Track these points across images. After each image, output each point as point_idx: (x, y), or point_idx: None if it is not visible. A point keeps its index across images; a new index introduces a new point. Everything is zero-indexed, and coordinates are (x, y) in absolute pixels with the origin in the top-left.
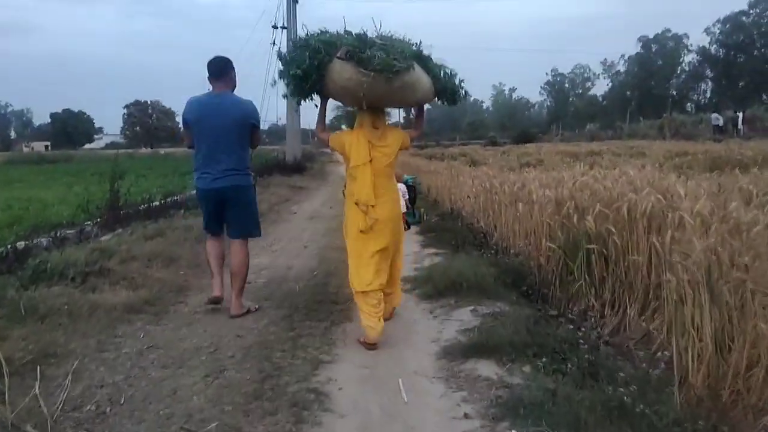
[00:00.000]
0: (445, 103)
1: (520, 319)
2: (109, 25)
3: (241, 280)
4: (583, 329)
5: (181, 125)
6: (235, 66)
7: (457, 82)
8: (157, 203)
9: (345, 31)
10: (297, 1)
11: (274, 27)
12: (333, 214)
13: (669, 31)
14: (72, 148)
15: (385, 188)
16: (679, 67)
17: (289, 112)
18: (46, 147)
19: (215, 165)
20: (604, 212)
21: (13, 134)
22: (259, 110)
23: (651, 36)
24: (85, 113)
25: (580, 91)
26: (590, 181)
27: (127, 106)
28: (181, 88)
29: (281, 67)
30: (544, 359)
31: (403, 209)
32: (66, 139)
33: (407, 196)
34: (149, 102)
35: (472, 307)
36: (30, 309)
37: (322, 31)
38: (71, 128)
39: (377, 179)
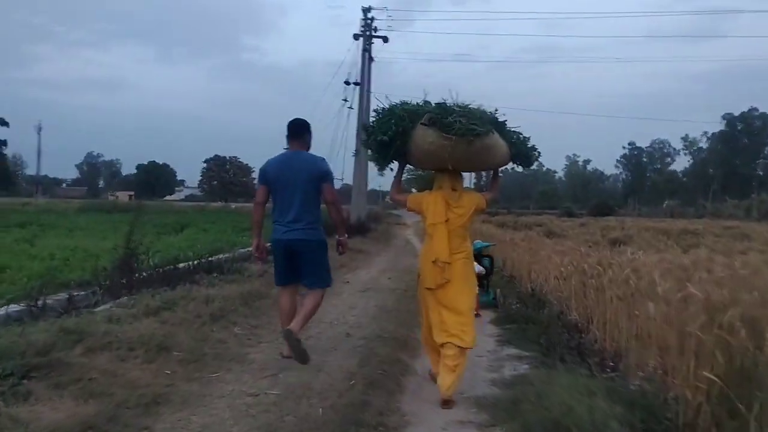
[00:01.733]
0: (519, 166)
1: None
2: (196, 84)
3: (308, 313)
4: None
5: (256, 180)
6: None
7: (530, 146)
8: (188, 264)
9: (425, 101)
10: (373, 59)
11: (347, 83)
12: (391, 287)
13: (756, 110)
14: (154, 199)
15: (459, 247)
16: (767, 147)
17: (357, 170)
18: (130, 197)
19: (288, 218)
20: None
21: (101, 183)
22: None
23: (736, 114)
24: (168, 165)
25: (659, 167)
26: (742, 274)
27: (206, 161)
28: (257, 146)
29: (364, 137)
30: None
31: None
32: (149, 190)
33: (479, 269)
34: (227, 157)
35: None
36: None
37: (404, 102)
38: (154, 180)
39: (452, 238)
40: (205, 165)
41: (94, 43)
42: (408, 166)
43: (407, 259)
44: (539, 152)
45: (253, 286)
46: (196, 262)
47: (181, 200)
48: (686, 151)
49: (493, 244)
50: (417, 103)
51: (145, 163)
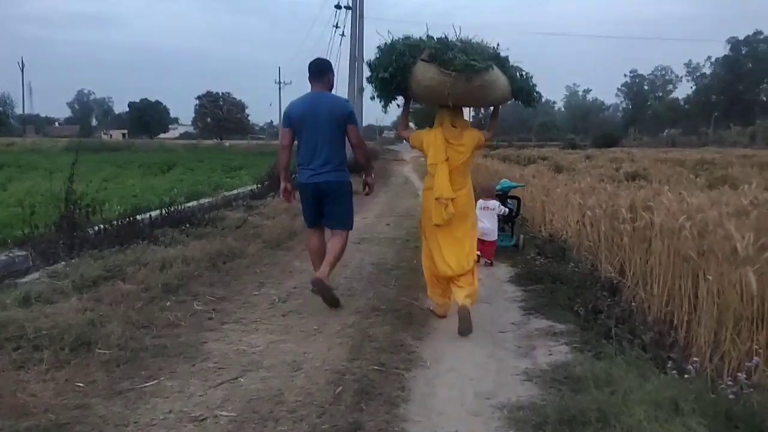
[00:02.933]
0: (520, 103)
1: None
2: (188, 19)
3: (334, 258)
4: None
5: (279, 121)
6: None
7: (532, 83)
8: (149, 216)
9: (427, 35)
10: None
11: (338, 7)
12: (390, 236)
13: (761, 33)
14: (148, 137)
15: (460, 184)
16: None
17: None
18: (124, 135)
19: (314, 161)
20: None
21: (94, 122)
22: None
23: (741, 38)
24: (161, 103)
25: (660, 94)
26: None
27: (199, 98)
28: (252, 81)
29: (369, 73)
30: None
31: (494, 229)
32: (142, 128)
33: (503, 211)
34: (220, 94)
35: None
36: None
37: (406, 36)
38: (148, 117)
39: (453, 176)
40: (197, 102)
41: None
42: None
43: (407, 201)
44: (540, 93)
45: (226, 242)
46: (161, 212)
47: (175, 138)
48: (689, 78)
49: (521, 185)
50: (420, 38)
51: (137, 101)
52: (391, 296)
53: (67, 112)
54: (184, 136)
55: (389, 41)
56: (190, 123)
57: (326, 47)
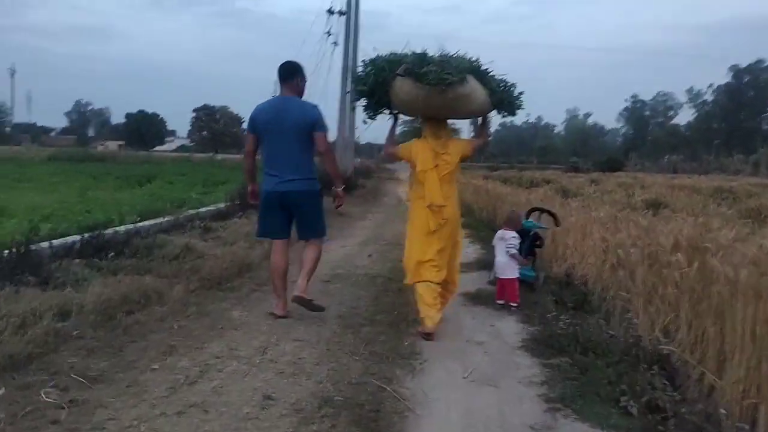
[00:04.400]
0: (505, 114)
1: None
2: (189, 33)
3: (310, 270)
4: None
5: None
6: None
7: (515, 93)
8: (54, 242)
9: (411, 51)
10: None
11: (330, 12)
12: (370, 272)
13: (763, 61)
14: (144, 149)
15: (448, 193)
16: None
17: (342, 118)
18: (120, 146)
19: (280, 168)
20: None
21: (91, 132)
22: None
23: (743, 66)
24: (158, 115)
25: (662, 120)
26: None
27: (195, 110)
28: (249, 96)
29: (353, 87)
30: None
31: (512, 264)
32: (139, 140)
33: (514, 247)
34: (217, 107)
35: None
36: None
37: (391, 53)
38: (145, 129)
39: (442, 185)
40: (194, 115)
41: None
42: (406, 118)
43: (397, 225)
44: (522, 101)
45: (144, 281)
46: (82, 238)
47: (172, 151)
48: (690, 104)
49: (546, 227)
50: (401, 54)
51: (135, 112)
52: (355, 374)
53: (64, 122)
54: (181, 148)
55: (372, 57)
56: (186, 136)
57: (320, 57)
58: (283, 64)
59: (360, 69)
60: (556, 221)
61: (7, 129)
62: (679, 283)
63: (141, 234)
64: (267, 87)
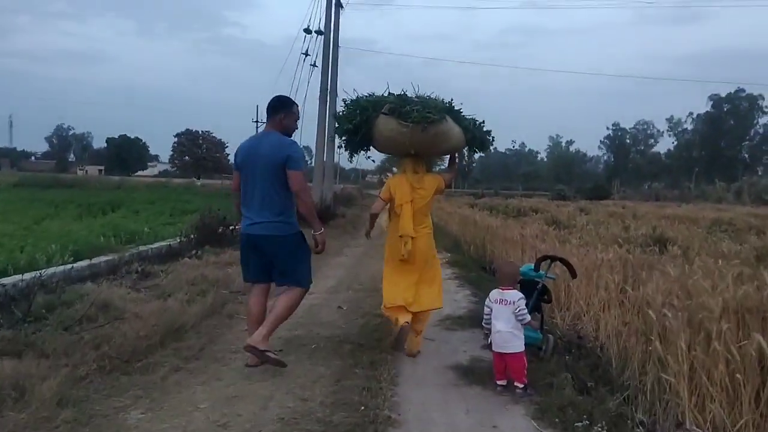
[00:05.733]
0: (476, 150)
1: None
2: (176, 59)
3: (275, 319)
4: None
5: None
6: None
7: (485, 131)
8: None
9: (388, 92)
10: (342, 6)
11: (307, 31)
12: (338, 334)
13: (743, 90)
14: (126, 174)
15: (423, 223)
16: (753, 129)
17: (320, 142)
18: (100, 171)
19: (251, 208)
20: None
21: (72, 157)
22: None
23: (723, 95)
24: (141, 140)
25: (642, 148)
26: None
27: (177, 135)
28: (237, 121)
29: (335, 125)
30: None
31: (517, 335)
32: (120, 165)
33: (522, 311)
34: (200, 132)
35: None
36: None
37: (370, 94)
38: (126, 154)
39: (416, 216)
40: (176, 139)
41: (74, 15)
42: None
43: (378, 262)
44: (494, 138)
45: (3, 367)
46: None
47: (154, 176)
48: (671, 133)
49: (552, 277)
50: (381, 95)
51: (116, 137)
52: None
53: (45, 147)
54: (163, 173)
55: (354, 97)
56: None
57: (299, 80)
58: (272, 99)
59: (341, 108)
60: (572, 272)
61: None
62: (735, 364)
63: (57, 280)
64: (251, 113)
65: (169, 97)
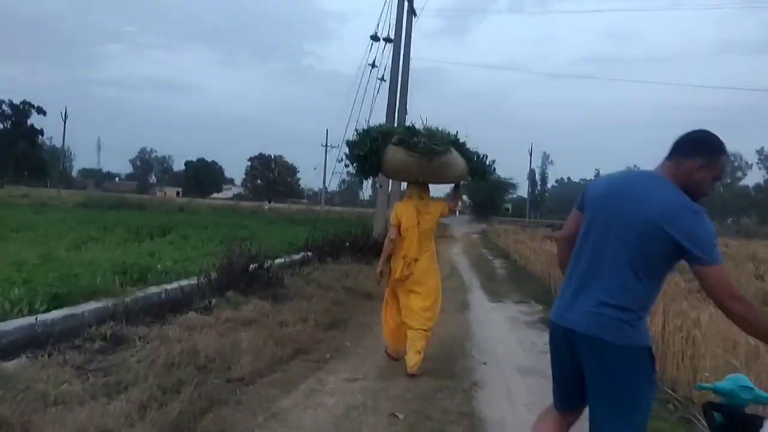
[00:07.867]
0: (479, 180)
1: None
2: (256, 87)
3: None
4: None
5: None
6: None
7: (487, 163)
8: None
9: (396, 124)
10: (415, 15)
11: (374, 38)
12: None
13: None
14: (202, 196)
15: (427, 247)
16: None
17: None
18: (178, 193)
19: (577, 285)
20: None
21: (153, 179)
22: None
23: None
24: (217, 163)
25: (729, 181)
26: None
27: (250, 159)
28: (308, 148)
29: (347, 151)
30: None
31: None
32: (197, 187)
33: None
34: (273, 156)
35: None
36: None
37: (380, 125)
38: (202, 176)
39: (421, 239)
40: (249, 163)
41: (163, 45)
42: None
43: (457, 319)
44: (494, 168)
45: None
46: None
47: (228, 199)
48: (760, 165)
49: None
50: (390, 126)
51: (194, 160)
52: None
53: (130, 169)
54: (237, 197)
55: (365, 128)
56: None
57: (365, 95)
58: (693, 131)
59: (353, 136)
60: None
61: (74, 173)
62: None
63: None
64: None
65: (247, 123)
